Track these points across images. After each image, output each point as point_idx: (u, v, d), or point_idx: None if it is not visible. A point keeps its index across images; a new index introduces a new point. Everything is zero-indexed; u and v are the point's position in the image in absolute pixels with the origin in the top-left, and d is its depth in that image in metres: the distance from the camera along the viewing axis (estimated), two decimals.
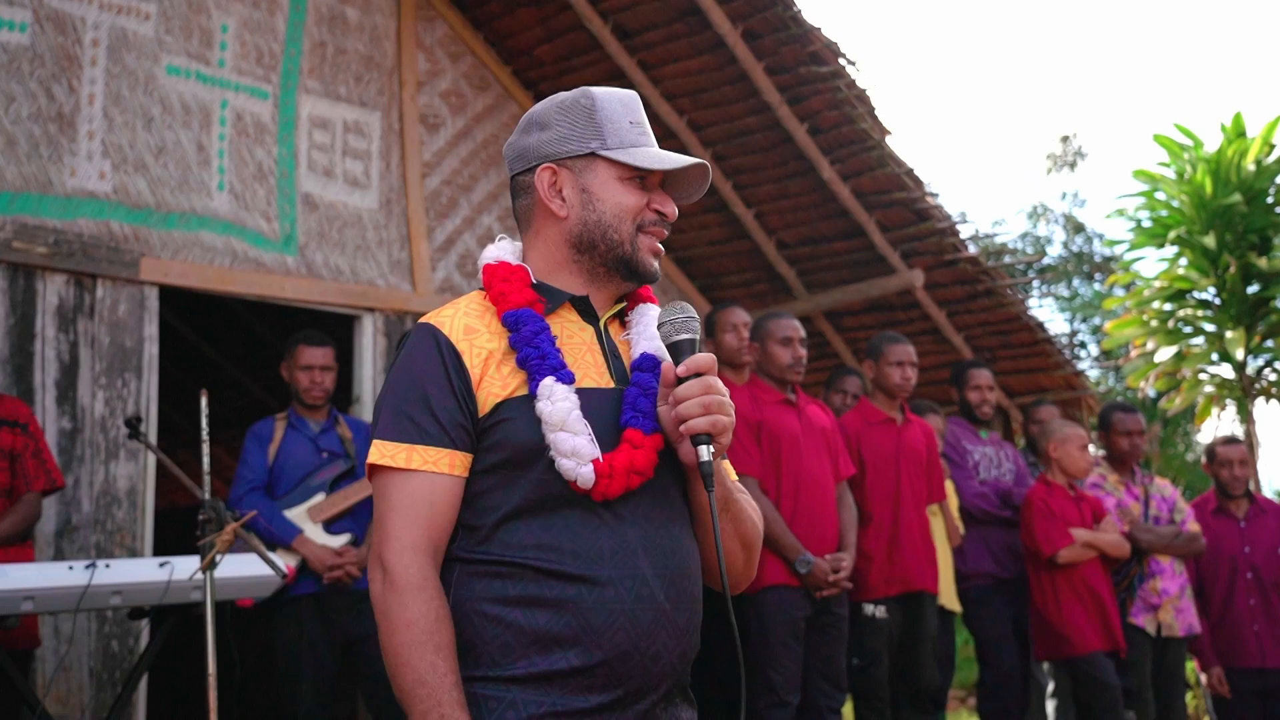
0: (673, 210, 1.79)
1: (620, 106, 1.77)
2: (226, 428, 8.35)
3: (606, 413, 1.69)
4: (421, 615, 1.56)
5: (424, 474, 1.61)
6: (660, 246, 1.79)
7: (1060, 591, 4.95)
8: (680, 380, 1.66)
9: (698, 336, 1.72)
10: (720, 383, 1.68)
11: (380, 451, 1.63)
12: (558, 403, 1.62)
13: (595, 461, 1.62)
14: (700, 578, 1.75)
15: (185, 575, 3.57)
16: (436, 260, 6.12)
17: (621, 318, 1.84)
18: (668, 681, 1.66)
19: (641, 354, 1.75)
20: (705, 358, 1.68)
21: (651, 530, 1.67)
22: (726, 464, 1.83)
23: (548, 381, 1.63)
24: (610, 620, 1.60)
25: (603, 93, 1.78)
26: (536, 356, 1.65)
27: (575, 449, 1.61)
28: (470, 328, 1.69)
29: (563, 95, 1.80)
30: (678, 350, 1.70)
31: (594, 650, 1.59)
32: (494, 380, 1.66)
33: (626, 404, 1.69)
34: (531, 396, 1.64)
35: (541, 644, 1.58)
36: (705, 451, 1.64)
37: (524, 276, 1.74)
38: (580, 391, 1.66)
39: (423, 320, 1.72)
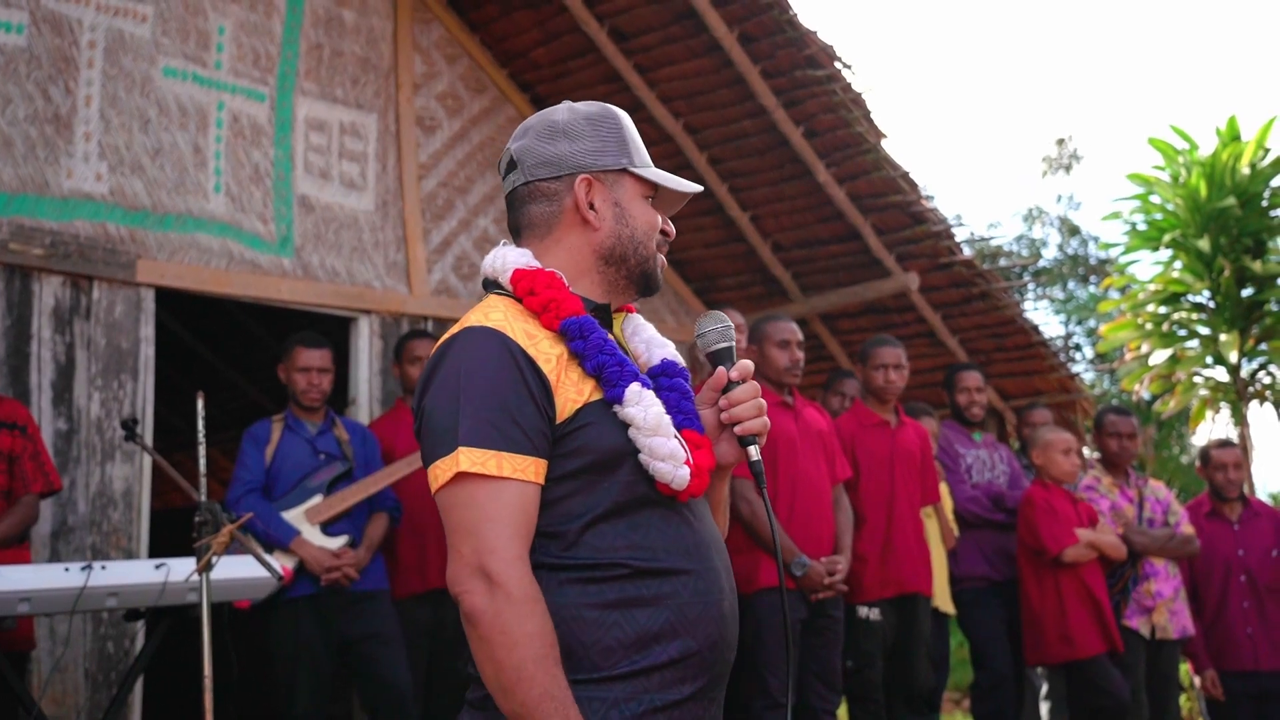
0: (673, 230, 1.87)
1: (632, 126, 1.85)
2: (223, 429, 8.34)
3: None
4: (541, 628, 1.56)
5: (515, 482, 1.59)
6: None
7: (1064, 593, 4.96)
8: (730, 384, 1.76)
9: (734, 344, 1.81)
10: None
11: (470, 459, 1.58)
12: (649, 408, 1.65)
13: (688, 463, 1.67)
14: None
15: (181, 577, 3.58)
16: (433, 262, 6.13)
17: None
18: (729, 669, 1.72)
19: (663, 360, 1.82)
20: (749, 364, 1.78)
21: (707, 525, 1.75)
22: None
23: (635, 388, 1.66)
24: (704, 611, 1.65)
25: (619, 110, 1.85)
26: (614, 364, 1.67)
27: (672, 452, 1.65)
28: (529, 333, 1.67)
29: (583, 106, 1.83)
30: (718, 357, 1.80)
31: (690, 641, 1.64)
32: (568, 386, 1.66)
33: (670, 408, 1.73)
34: (606, 402, 1.66)
35: (642, 643, 1.62)
36: (755, 451, 1.75)
37: (564, 284, 1.74)
38: None
39: (475, 325, 1.67)
